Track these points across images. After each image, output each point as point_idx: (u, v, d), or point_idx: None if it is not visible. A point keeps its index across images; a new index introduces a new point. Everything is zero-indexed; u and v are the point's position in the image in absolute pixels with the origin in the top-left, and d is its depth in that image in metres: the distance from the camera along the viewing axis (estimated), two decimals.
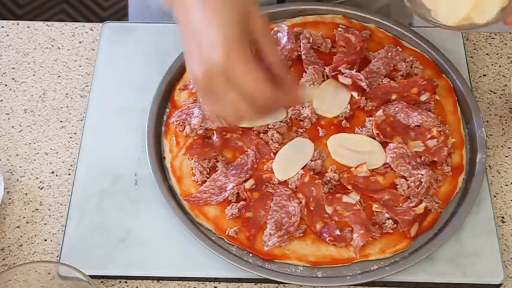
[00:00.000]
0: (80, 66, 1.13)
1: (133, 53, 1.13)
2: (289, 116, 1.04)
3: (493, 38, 1.17)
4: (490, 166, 1.04)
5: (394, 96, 1.05)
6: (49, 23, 1.18)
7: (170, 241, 0.96)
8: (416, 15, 0.95)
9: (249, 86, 0.81)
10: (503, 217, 1.00)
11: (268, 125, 1.03)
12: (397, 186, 0.99)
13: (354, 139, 1.02)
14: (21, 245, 0.97)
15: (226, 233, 0.95)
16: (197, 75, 0.81)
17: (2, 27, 1.18)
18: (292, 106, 1.02)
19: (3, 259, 0.96)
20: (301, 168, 0.99)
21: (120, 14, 2.49)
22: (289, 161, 1.00)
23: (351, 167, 0.99)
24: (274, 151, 1.01)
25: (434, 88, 1.06)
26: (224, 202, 0.97)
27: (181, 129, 1.03)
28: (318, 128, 1.03)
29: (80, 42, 1.16)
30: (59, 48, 1.15)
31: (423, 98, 1.05)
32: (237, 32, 0.80)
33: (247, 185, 0.98)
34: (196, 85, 0.85)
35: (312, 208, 0.97)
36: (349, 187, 0.98)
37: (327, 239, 0.94)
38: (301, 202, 0.97)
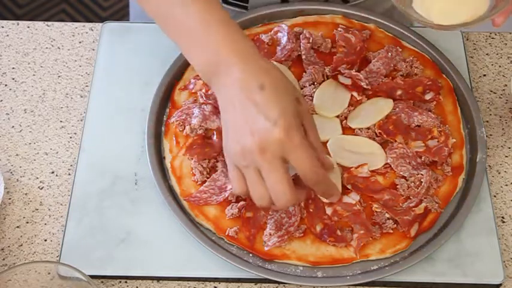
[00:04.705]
0: (80, 66, 1.13)
1: (133, 53, 1.13)
2: None
3: (493, 38, 1.17)
4: (490, 166, 1.04)
5: (399, 92, 1.05)
6: (49, 23, 1.18)
7: (170, 241, 0.96)
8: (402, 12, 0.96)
9: (304, 162, 0.84)
10: (503, 217, 1.00)
11: None
12: (397, 186, 0.99)
13: (354, 141, 1.02)
14: (21, 245, 0.97)
15: (226, 233, 0.95)
16: (247, 146, 0.83)
17: (2, 27, 1.18)
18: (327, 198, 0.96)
19: (3, 259, 0.96)
20: None
21: (120, 14, 2.49)
22: None
23: (352, 167, 1.00)
24: None
25: (439, 89, 1.06)
26: (224, 202, 0.97)
27: (181, 129, 1.03)
28: None
29: (80, 42, 1.16)
30: (59, 48, 1.15)
31: (428, 96, 1.05)
32: (294, 113, 0.85)
33: None
34: (238, 159, 0.85)
35: (311, 210, 0.97)
36: (349, 187, 0.98)
37: (327, 240, 0.94)
38: (300, 203, 0.97)
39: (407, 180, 0.99)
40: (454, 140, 1.02)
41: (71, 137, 1.06)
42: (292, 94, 0.86)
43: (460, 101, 1.07)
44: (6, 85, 1.11)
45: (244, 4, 1.15)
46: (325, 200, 0.96)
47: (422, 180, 0.98)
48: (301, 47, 1.09)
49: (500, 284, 0.94)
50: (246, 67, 0.85)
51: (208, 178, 0.99)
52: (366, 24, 1.14)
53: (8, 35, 1.17)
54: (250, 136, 0.83)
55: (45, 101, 1.10)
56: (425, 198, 0.97)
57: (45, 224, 0.99)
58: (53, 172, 1.03)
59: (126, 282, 0.95)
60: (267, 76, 0.85)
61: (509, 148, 1.06)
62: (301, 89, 1.06)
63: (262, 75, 0.85)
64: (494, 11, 0.92)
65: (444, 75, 1.09)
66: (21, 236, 0.98)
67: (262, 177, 0.85)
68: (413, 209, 0.96)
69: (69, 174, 1.03)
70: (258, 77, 0.85)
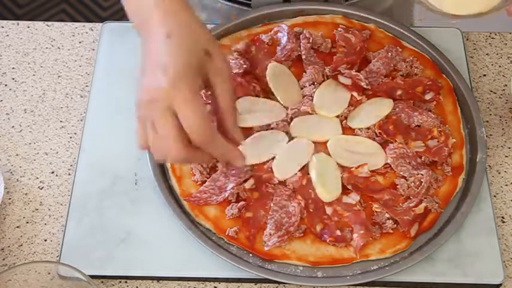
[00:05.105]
0: (80, 66, 1.13)
1: (134, 53, 1.12)
2: (289, 115, 1.04)
3: (493, 38, 1.17)
4: (490, 166, 1.04)
5: (399, 92, 1.05)
6: (49, 23, 1.18)
7: (170, 241, 0.96)
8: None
9: (188, 117, 0.80)
10: (503, 217, 1.00)
11: (269, 124, 1.03)
12: (397, 186, 0.99)
13: (354, 141, 1.02)
14: (21, 245, 0.97)
15: (226, 233, 0.95)
16: (142, 98, 0.82)
17: (2, 27, 1.18)
18: (227, 162, 0.90)
19: (3, 259, 0.96)
20: (301, 169, 0.99)
21: (120, 14, 2.49)
22: (289, 161, 1.00)
23: (352, 167, 1.00)
24: None
25: (439, 89, 1.06)
26: (224, 202, 0.97)
27: None
28: None
29: (80, 42, 1.16)
30: (59, 48, 1.15)
31: (428, 96, 1.05)
32: (190, 66, 0.81)
33: (247, 185, 0.98)
34: (138, 111, 0.84)
35: (311, 210, 0.97)
36: (349, 187, 0.98)
37: (328, 240, 0.94)
38: (300, 203, 0.97)
39: (407, 180, 0.99)
40: (454, 140, 1.02)
41: (71, 137, 1.06)
42: (200, 46, 0.83)
43: (460, 101, 1.07)
44: (6, 85, 1.11)
45: (247, 1, 1.15)
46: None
47: (422, 180, 0.98)
48: (301, 47, 1.09)
49: (500, 284, 0.94)
50: (162, 19, 0.83)
51: (208, 178, 0.99)
52: (366, 24, 1.14)
53: (8, 35, 1.17)
54: (144, 89, 0.82)
55: (45, 101, 1.10)
56: (425, 198, 0.97)
57: (45, 224, 0.99)
58: (53, 172, 1.03)
59: (126, 282, 0.95)
60: (175, 26, 0.83)
61: (509, 148, 1.06)
62: (301, 89, 1.06)
63: (172, 25, 0.83)
64: (510, 0, 0.91)
65: (444, 75, 1.09)
66: (21, 236, 0.98)
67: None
68: (413, 209, 0.96)
69: (69, 174, 1.03)
70: (168, 27, 0.82)
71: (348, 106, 1.05)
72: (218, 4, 1.16)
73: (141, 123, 0.83)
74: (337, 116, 1.04)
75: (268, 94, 1.06)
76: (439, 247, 0.94)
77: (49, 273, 0.89)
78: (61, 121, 1.08)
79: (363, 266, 0.94)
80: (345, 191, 0.98)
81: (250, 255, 0.95)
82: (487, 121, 1.08)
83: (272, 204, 0.97)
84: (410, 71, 1.09)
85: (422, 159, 1.01)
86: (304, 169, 1.00)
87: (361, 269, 0.94)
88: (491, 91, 1.11)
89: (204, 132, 0.81)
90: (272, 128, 1.03)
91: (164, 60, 0.81)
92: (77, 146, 1.05)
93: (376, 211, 0.97)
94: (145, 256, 0.95)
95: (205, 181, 0.99)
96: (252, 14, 1.13)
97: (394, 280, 0.93)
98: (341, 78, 1.06)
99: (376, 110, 1.04)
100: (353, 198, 0.97)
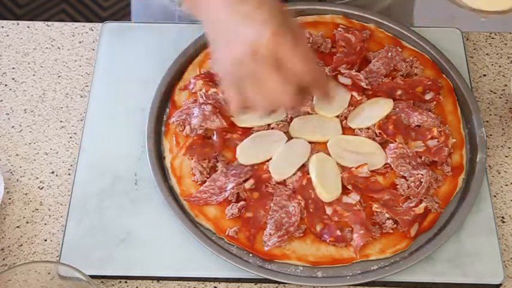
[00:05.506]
0: (80, 66, 1.13)
1: (134, 53, 1.13)
2: (289, 115, 1.04)
3: (493, 38, 1.17)
4: (490, 166, 1.04)
5: (399, 92, 1.05)
6: (49, 23, 1.18)
7: (170, 241, 0.96)
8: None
9: (301, 58, 0.83)
10: (503, 217, 1.00)
11: (269, 124, 1.03)
12: (397, 186, 0.99)
13: (354, 141, 1.02)
14: (21, 245, 0.97)
15: (226, 233, 0.95)
16: (239, 53, 0.83)
17: (2, 27, 1.18)
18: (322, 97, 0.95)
19: (3, 259, 0.96)
20: (298, 169, 0.99)
21: (120, 14, 2.49)
22: (286, 162, 1.00)
23: (352, 167, 1.00)
24: None
25: (439, 89, 1.06)
26: (224, 202, 0.97)
27: (181, 129, 1.03)
28: None
29: (80, 42, 1.16)
30: (59, 48, 1.15)
31: (428, 96, 1.05)
32: (283, 18, 0.84)
33: (247, 185, 0.98)
34: (227, 75, 0.86)
35: (311, 210, 0.97)
36: (349, 187, 0.98)
37: (328, 240, 0.94)
38: (300, 203, 0.97)
39: (407, 180, 0.99)
40: (454, 140, 1.02)
41: (71, 137, 1.06)
42: (278, 5, 0.86)
43: (460, 101, 1.07)
44: (6, 85, 1.11)
45: None
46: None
47: (422, 180, 0.98)
48: None
49: (500, 284, 0.94)
50: None
51: (208, 178, 0.99)
52: (366, 24, 1.14)
53: (8, 35, 1.17)
54: (241, 44, 0.83)
55: (45, 101, 1.10)
56: (425, 198, 0.97)
57: (45, 224, 0.99)
58: (53, 172, 1.03)
59: (126, 282, 0.95)
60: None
61: (509, 148, 1.06)
62: None
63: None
64: None
65: (444, 75, 1.09)
66: (21, 236, 0.98)
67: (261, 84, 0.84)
68: (413, 209, 0.96)
69: (69, 174, 1.03)
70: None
71: (348, 106, 1.05)
72: None
73: (233, 86, 0.86)
74: (337, 116, 1.04)
75: None
76: (439, 247, 0.94)
77: (49, 273, 0.89)
78: (61, 121, 1.08)
79: (363, 266, 0.94)
80: (345, 191, 0.98)
81: (250, 255, 0.95)
82: (487, 121, 1.08)
83: (272, 204, 0.97)
84: (410, 71, 1.09)
85: (422, 159, 1.01)
86: (304, 169, 1.00)
87: (361, 269, 0.94)
88: (491, 91, 1.11)
89: (315, 69, 0.86)
90: (272, 128, 1.03)
91: (259, 17, 0.82)
92: (77, 146, 1.05)
93: (376, 211, 0.97)
94: (145, 256, 0.95)
95: (205, 181, 0.99)
96: None
97: (394, 280, 0.93)
98: (341, 78, 1.06)
99: (376, 110, 1.04)
100: (353, 198, 0.97)
